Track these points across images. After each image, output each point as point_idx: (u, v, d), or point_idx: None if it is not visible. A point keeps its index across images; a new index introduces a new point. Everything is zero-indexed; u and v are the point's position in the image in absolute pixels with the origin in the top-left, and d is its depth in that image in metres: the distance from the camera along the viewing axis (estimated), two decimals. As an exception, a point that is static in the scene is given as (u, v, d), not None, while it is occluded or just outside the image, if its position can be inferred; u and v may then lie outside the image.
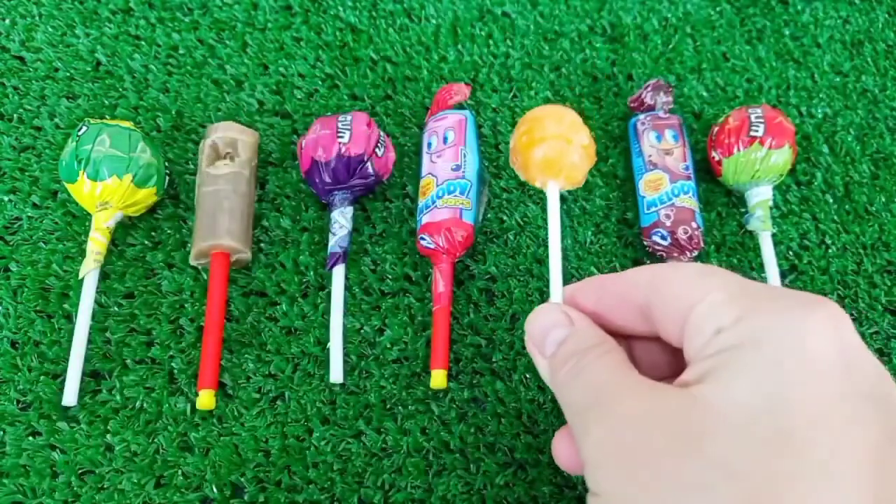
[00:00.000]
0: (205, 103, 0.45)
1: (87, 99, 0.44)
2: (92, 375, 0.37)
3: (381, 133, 0.41)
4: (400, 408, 0.37)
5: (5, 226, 0.40)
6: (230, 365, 0.37)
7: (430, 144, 0.41)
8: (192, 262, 0.39)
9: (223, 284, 0.37)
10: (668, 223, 0.39)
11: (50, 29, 0.47)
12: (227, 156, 0.40)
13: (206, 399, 0.35)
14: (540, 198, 0.43)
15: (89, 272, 0.37)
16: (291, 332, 0.38)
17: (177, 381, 0.37)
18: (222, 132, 0.40)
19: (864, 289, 0.41)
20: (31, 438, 0.35)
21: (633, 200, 0.43)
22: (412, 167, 0.43)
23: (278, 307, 0.39)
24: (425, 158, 0.41)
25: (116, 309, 0.38)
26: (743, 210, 0.43)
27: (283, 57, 0.47)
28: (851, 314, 0.41)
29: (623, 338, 0.25)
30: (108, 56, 0.46)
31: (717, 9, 0.51)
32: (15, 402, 0.36)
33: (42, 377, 0.36)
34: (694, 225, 0.39)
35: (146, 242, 0.40)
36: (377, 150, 0.40)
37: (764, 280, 0.40)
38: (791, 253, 0.42)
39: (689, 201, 0.40)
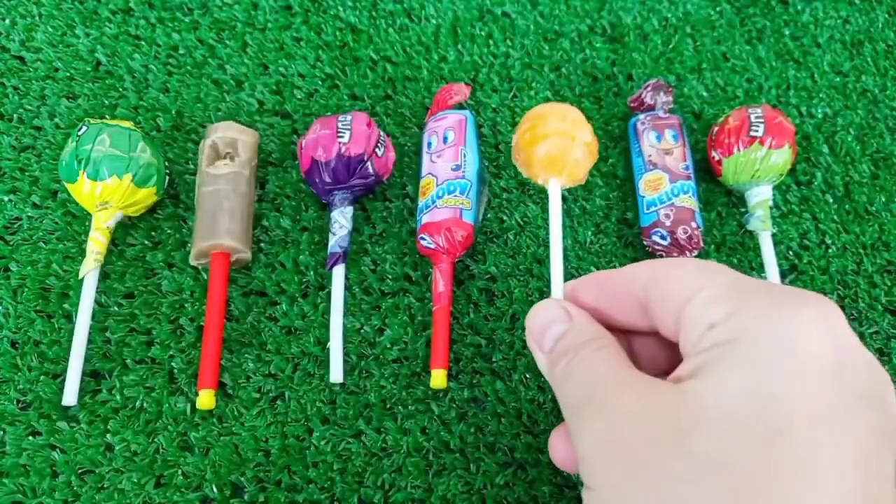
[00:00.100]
0: (205, 103, 0.45)
1: (87, 99, 0.44)
2: (92, 375, 0.37)
3: (381, 133, 0.41)
4: (400, 408, 0.37)
5: (5, 226, 0.40)
6: (230, 365, 0.37)
7: (430, 144, 0.41)
8: (192, 262, 0.39)
9: (223, 284, 0.37)
10: (667, 223, 0.39)
11: (50, 29, 0.47)
12: (227, 156, 0.40)
13: (206, 399, 0.35)
14: (540, 197, 0.43)
15: (89, 272, 0.37)
16: (291, 332, 0.38)
17: (177, 381, 0.37)
18: (222, 132, 0.40)
19: (864, 289, 0.41)
20: (31, 438, 0.35)
21: (633, 200, 0.43)
22: (412, 167, 0.43)
23: (278, 307, 0.39)
24: (425, 158, 0.41)
25: (116, 309, 0.38)
26: (743, 210, 0.43)
27: (283, 57, 0.47)
28: (851, 314, 0.41)
29: (623, 333, 0.26)
30: (108, 56, 0.46)
31: (717, 9, 0.51)
32: (15, 402, 0.36)
33: (42, 377, 0.36)
34: (694, 225, 0.39)
35: (146, 242, 0.40)
36: (377, 150, 0.40)
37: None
38: (791, 253, 0.42)
39: (689, 201, 0.40)
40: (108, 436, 0.35)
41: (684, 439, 0.19)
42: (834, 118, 0.47)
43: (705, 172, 0.43)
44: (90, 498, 0.34)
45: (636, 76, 0.48)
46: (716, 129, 0.42)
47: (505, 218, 0.42)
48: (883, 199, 0.44)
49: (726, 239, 0.42)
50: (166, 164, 0.40)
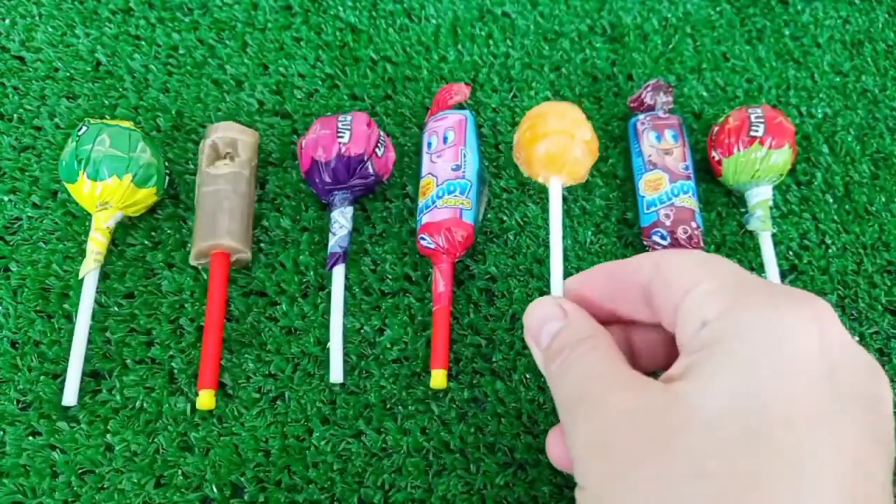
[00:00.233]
0: (205, 103, 0.45)
1: (87, 99, 0.44)
2: (92, 375, 0.37)
3: (381, 133, 0.41)
4: (400, 408, 0.37)
5: (5, 226, 0.40)
6: (230, 365, 0.37)
7: (430, 144, 0.41)
8: (192, 262, 0.39)
9: (223, 284, 0.37)
10: (667, 223, 0.39)
11: (50, 29, 0.47)
12: (227, 156, 0.40)
13: (206, 399, 0.35)
14: (540, 197, 0.43)
15: (89, 272, 0.37)
16: (291, 332, 0.38)
17: (177, 381, 0.37)
18: (222, 132, 0.40)
19: (864, 289, 0.41)
20: (31, 438, 0.35)
21: (633, 200, 0.43)
22: (412, 167, 0.43)
23: (278, 307, 0.39)
24: (425, 158, 0.41)
25: (116, 309, 0.38)
26: (743, 210, 0.43)
27: (283, 57, 0.47)
28: (851, 314, 0.41)
29: (625, 325, 0.26)
30: (108, 56, 0.46)
31: (717, 9, 0.51)
32: (15, 402, 0.36)
33: (42, 377, 0.36)
34: (693, 224, 0.39)
35: (146, 242, 0.40)
36: (377, 150, 0.40)
37: (764, 280, 0.40)
38: (791, 253, 0.42)
39: (689, 201, 0.40)
40: (108, 436, 0.35)
41: (671, 440, 0.19)
42: (834, 118, 0.47)
43: (705, 172, 0.43)
44: (90, 498, 0.34)
45: (636, 76, 0.48)
46: (716, 129, 0.42)
47: (505, 218, 0.42)
48: (883, 199, 0.44)
49: (726, 239, 0.42)
50: (166, 164, 0.40)
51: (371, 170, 0.39)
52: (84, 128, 0.38)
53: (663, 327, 0.24)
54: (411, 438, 0.36)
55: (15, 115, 0.44)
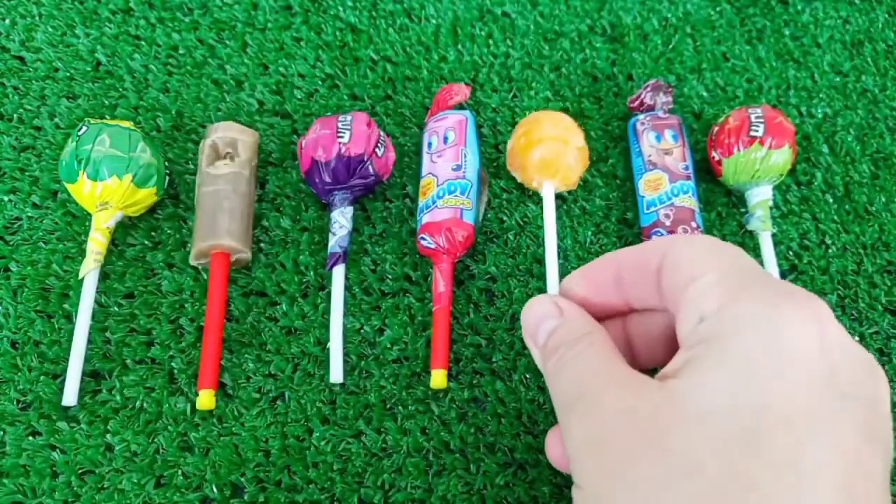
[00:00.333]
0: (205, 103, 0.45)
1: (87, 99, 0.44)
2: (92, 375, 0.37)
3: (381, 133, 0.41)
4: (400, 408, 0.37)
5: (5, 226, 0.40)
6: (230, 365, 0.37)
7: (430, 144, 0.41)
8: (192, 262, 0.39)
9: (223, 284, 0.37)
10: (667, 223, 0.39)
11: (50, 29, 0.47)
12: (227, 156, 0.40)
13: (206, 399, 0.35)
14: (540, 198, 0.43)
15: (89, 272, 0.37)
16: (291, 332, 0.38)
17: (177, 381, 0.37)
18: (222, 132, 0.40)
19: (864, 289, 0.41)
20: (31, 438, 0.35)
21: (632, 200, 0.43)
22: (412, 167, 0.43)
23: (278, 307, 0.39)
24: (425, 158, 0.41)
25: (116, 309, 0.38)
26: (743, 210, 0.43)
27: (283, 57, 0.47)
28: (851, 314, 0.41)
29: (627, 317, 0.25)
30: (108, 56, 0.46)
31: (717, 9, 0.51)
32: (15, 402, 0.36)
33: (42, 377, 0.36)
34: (693, 224, 0.39)
35: (146, 242, 0.40)
36: (377, 150, 0.40)
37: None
38: (791, 253, 0.42)
39: (689, 201, 0.40)
40: (108, 436, 0.35)
41: (667, 438, 0.19)
42: (834, 118, 0.47)
43: (705, 172, 0.43)
44: (90, 498, 0.34)
45: (636, 76, 0.48)
46: (716, 129, 0.42)
47: (505, 218, 0.42)
48: (883, 199, 0.44)
49: (726, 239, 0.42)
50: (166, 164, 0.40)
51: (371, 170, 0.39)
52: (84, 128, 0.38)
53: (666, 318, 0.24)
54: (411, 438, 0.36)
55: (15, 115, 0.44)
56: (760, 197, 0.41)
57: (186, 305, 0.39)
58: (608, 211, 0.43)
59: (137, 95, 0.45)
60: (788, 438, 0.18)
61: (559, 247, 0.41)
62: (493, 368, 0.38)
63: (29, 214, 0.41)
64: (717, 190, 0.43)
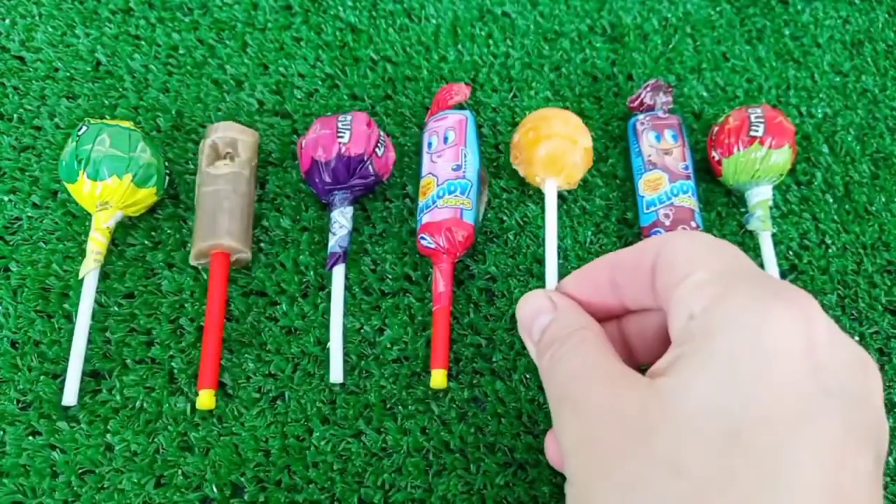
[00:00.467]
0: (205, 103, 0.45)
1: (87, 99, 0.44)
2: (92, 375, 0.37)
3: (381, 133, 0.41)
4: (400, 408, 0.37)
5: (5, 226, 0.40)
6: (230, 365, 0.37)
7: (430, 144, 0.41)
8: (192, 262, 0.39)
9: (223, 284, 0.37)
10: (667, 223, 0.39)
11: (50, 29, 0.47)
12: (227, 156, 0.40)
13: (206, 399, 0.35)
14: (540, 198, 0.43)
15: (89, 272, 0.37)
16: (291, 332, 0.38)
17: (177, 381, 0.37)
18: (222, 132, 0.40)
19: (864, 289, 0.41)
20: (31, 438, 0.35)
21: (632, 200, 0.43)
22: (412, 167, 0.43)
23: (278, 307, 0.39)
24: (425, 158, 0.41)
25: (116, 309, 0.38)
26: (743, 210, 0.43)
27: (283, 57, 0.47)
28: (851, 314, 0.41)
29: (624, 317, 0.25)
30: (108, 56, 0.46)
31: (717, 9, 0.51)
32: (15, 402, 0.36)
33: (42, 377, 0.36)
34: (693, 224, 0.39)
35: (146, 242, 0.40)
36: (377, 150, 0.40)
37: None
38: (791, 253, 0.42)
39: (689, 201, 0.40)
40: (108, 436, 0.35)
41: (652, 438, 0.19)
42: (834, 118, 0.47)
43: (705, 172, 0.43)
44: (90, 498, 0.34)
45: (636, 76, 0.48)
46: (716, 129, 0.42)
47: (505, 218, 0.42)
48: (883, 199, 0.44)
49: (726, 239, 0.42)
50: (166, 164, 0.40)
51: (371, 170, 0.39)
52: (84, 128, 0.38)
53: (661, 317, 0.24)
54: (411, 438, 0.36)
55: (15, 115, 0.44)
56: (760, 197, 0.41)
57: (186, 305, 0.39)
58: (608, 211, 0.43)
59: (137, 95, 0.45)
60: (770, 438, 0.18)
61: (559, 247, 0.41)
62: (493, 368, 0.38)
63: (29, 214, 0.41)
64: (717, 190, 0.43)
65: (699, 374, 0.19)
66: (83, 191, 0.37)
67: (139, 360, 0.37)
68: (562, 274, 0.39)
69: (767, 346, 0.19)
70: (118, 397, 0.36)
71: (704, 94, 0.47)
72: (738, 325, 0.19)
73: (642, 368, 0.22)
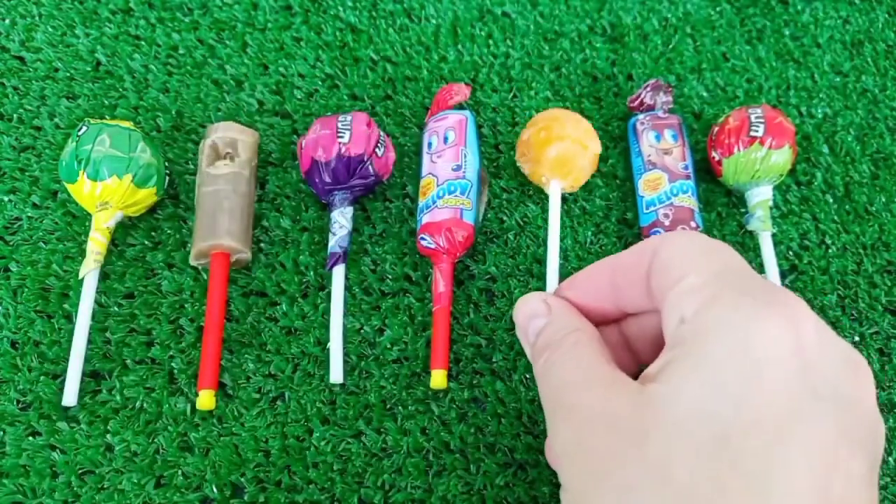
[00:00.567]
0: (205, 103, 0.45)
1: (87, 99, 0.44)
2: (92, 375, 0.37)
3: (381, 133, 0.41)
4: (400, 408, 0.37)
5: (5, 226, 0.40)
6: (230, 365, 0.37)
7: (430, 144, 0.41)
8: (192, 262, 0.39)
9: (223, 284, 0.37)
10: (666, 222, 0.39)
11: (50, 29, 0.47)
12: (227, 156, 0.40)
13: (206, 399, 0.35)
14: (540, 198, 0.43)
15: (89, 272, 0.37)
16: (291, 332, 0.38)
17: (177, 381, 0.37)
18: (222, 132, 0.40)
19: (864, 289, 0.41)
20: (31, 438, 0.35)
21: (632, 200, 0.43)
22: (412, 167, 0.43)
23: (278, 307, 0.39)
24: (425, 158, 0.41)
25: (116, 309, 0.38)
26: (743, 210, 0.43)
27: (283, 57, 0.47)
28: (851, 314, 0.41)
29: (624, 320, 0.25)
30: (108, 56, 0.46)
31: (717, 9, 0.51)
32: (15, 402, 0.36)
33: (42, 377, 0.36)
34: (693, 224, 0.39)
35: (146, 242, 0.40)
36: (377, 150, 0.40)
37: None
38: (791, 253, 0.42)
39: (688, 200, 0.40)
40: (108, 436, 0.35)
41: (641, 445, 0.19)
42: (834, 118, 0.47)
43: (705, 172, 0.43)
44: (90, 498, 0.34)
45: (636, 76, 0.48)
46: (716, 129, 0.42)
47: (505, 218, 0.42)
48: (883, 199, 0.44)
49: (726, 239, 0.42)
50: (166, 164, 0.40)
51: (371, 170, 0.39)
52: (84, 128, 0.38)
53: (659, 319, 0.24)
54: (411, 439, 0.36)
55: (15, 115, 0.44)
56: (760, 197, 0.41)
57: (186, 305, 0.39)
58: (608, 211, 0.43)
59: (137, 95, 0.45)
60: (758, 442, 0.18)
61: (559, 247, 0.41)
62: (493, 368, 0.38)
63: (29, 214, 0.41)
64: (717, 190, 0.43)
65: (689, 378, 0.19)
66: (83, 191, 0.37)
67: (139, 360, 0.37)
68: (563, 275, 0.39)
69: (757, 350, 0.19)
70: (118, 398, 0.36)
71: (704, 94, 0.47)
72: (728, 330, 0.19)
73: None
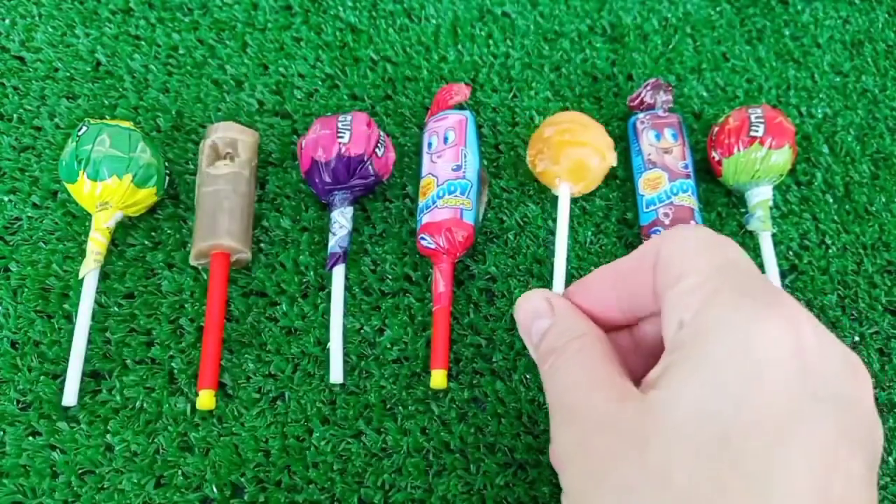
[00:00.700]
0: (205, 103, 0.45)
1: (87, 99, 0.44)
2: (92, 375, 0.37)
3: (381, 133, 0.41)
4: (400, 408, 0.37)
5: (5, 226, 0.40)
6: (230, 365, 0.37)
7: (430, 144, 0.41)
8: (192, 262, 0.39)
9: (223, 284, 0.37)
10: (666, 221, 0.39)
11: (50, 29, 0.47)
12: (227, 156, 0.40)
13: (206, 399, 0.35)
14: (540, 198, 0.43)
15: (89, 272, 0.37)
16: (291, 332, 0.38)
17: (177, 381, 0.37)
18: (222, 132, 0.40)
19: (864, 289, 0.41)
20: (31, 438, 0.35)
21: (632, 200, 0.43)
22: (412, 167, 0.43)
23: (278, 307, 0.39)
24: (425, 158, 0.41)
25: (116, 309, 0.38)
26: (743, 210, 0.43)
27: (283, 57, 0.47)
28: (851, 314, 0.41)
29: (646, 318, 0.25)
30: (108, 56, 0.46)
31: (717, 9, 0.51)
32: (15, 402, 0.36)
33: (42, 377, 0.36)
34: (693, 223, 0.39)
35: (146, 242, 0.40)
36: (377, 150, 0.40)
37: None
38: (791, 253, 0.42)
39: (688, 199, 0.40)
40: (108, 436, 0.35)
41: (643, 451, 0.19)
42: (834, 118, 0.47)
43: (705, 172, 0.43)
44: (90, 498, 0.34)
45: (636, 76, 0.48)
46: (716, 129, 0.42)
47: (505, 218, 0.42)
48: (883, 199, 0.44)
49: (726, 239, 0.42)
50: (166, 164, 0.40)
51: (371, 170, 0.39)
52: (84, 128, 0.38)
53: None
54: (411, 438, 0.36)
55: (15, 115, 0.44)
56: (760, 197, 0.41)
57: (186, 305, 0.39)
58: (608, 211, 0.43)
59: (137, 95, 0.45)
60: (758, 444, 0.18)
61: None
62: (493, 368, 0.38)
63: (29, 214, 0.41)
64: (717, 190, 0.43)
65: (688, 381, 0.19)
66: (83, 191, 0.37)
67: (139, 360, 0.37)
68: (564, 276, 0.39)
69: (757, 351, 0.19)
70: (118, 398, 0.36)
71: (704, 94, 0.47)
72: (727, 331, 0.19)
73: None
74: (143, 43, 0.47)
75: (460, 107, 0.44)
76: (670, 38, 0.49)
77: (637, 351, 0.25)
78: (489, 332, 0.39)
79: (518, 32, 0.49)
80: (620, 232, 0.42)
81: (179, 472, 0.35)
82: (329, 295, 0.39)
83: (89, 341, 0.37)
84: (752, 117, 0.40)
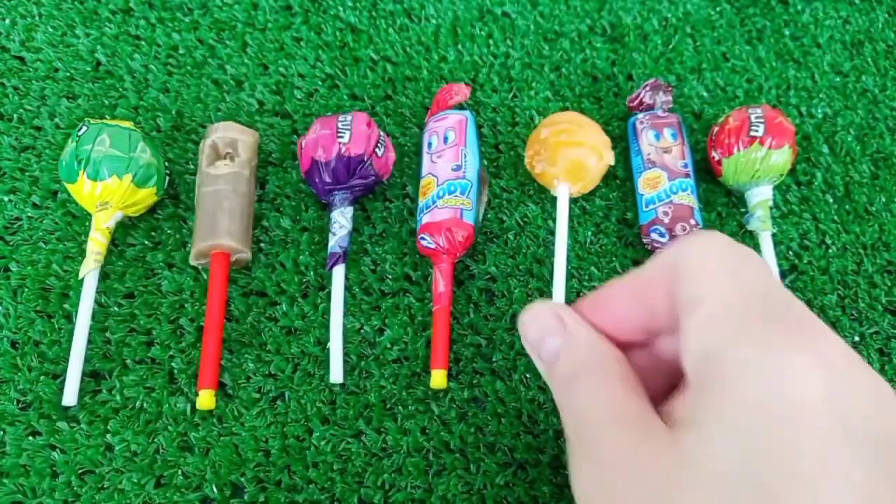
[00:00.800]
0: (205, 103, 0.45)
1: (87, 99, 0.44)
2: (92, 375, 0.37)
3: (381, 133, 0.41)
4: (400, 408, 0.37)
5: (5, 226, 0.40)
6: (230, 365, 0.37)
7: (430, 144, 0.41)
8: (192, 262, 0.39)
9: (223, 284, 0.37)
10: (666, 220, 0.39)
11: (50, 29, 0.47)
12: (227, 156, 0.40)
13: (206, 399, 0.35)
14: (540, 198, 0.43)
15: (89, 272, 0.37)
16: (291, 332, 0.38)
17: (177, 381, 0.37)
18: (222, 132, 0.40)
19: (864, 289, 0.41)
20: (31, 438, 0.35)
21: (632, 200, 0.43)
22: (412, 167, 0.43)
23: (278, 307, 0.39)
24: (425, 158, 0.41)
25: (116, 309, 0.38)
26: (743, 210, 0.43)
27: (283, 57, 0.47)
28: (851, 314, 0.41)
29: (667, 334, 0.24)
30: (108, 56, 0.46)
31: (717, 9, 0.51)
32: (15, 402, 0.36)
33: (42, 377, 0.36)
34: (692, 222, 0.39)
35: (146, 242, 0.40)
36: (377, 150, 0.40)
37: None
38: (791, 253, 0.42)
39: (688, 198, 0.40)
40: (108, 436, 0.35)
41: (673, 496, 0.18)
42: (834, 118, 0.47)
43: (705, 172, 0.43)
44: (90, 498, 0.34)
45: (636, 76, 0.48)
46: (716, 129, 0.42)
47: (505, 218, 0.42)
48: (883, 199, 0.44)
49: (726, 239, 0.42)
50: (166, 164, 0.40)
51: (371, 170, 0.39)
52: (84, 128, 0.38)
53: None
54: (411, 438, 0.36)
55: (15, 115, 0.44)
56: (760, 197, 0.41)
57: (186, 305, 0.39)
58: (608, 211, 0.43)
59: (137, 95, 0.45)
60: (796, 492, 0.17)
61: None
62: (493, 368, 0.38)
63: (29, 214, 0.41)
64: (717, 190, 0.43)
65: (723, 429, 0.18)
66: (83, 191, 0.37)
67: (139, 360, 0.37)
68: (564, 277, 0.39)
69: (787, 397, 0.18)
70: (118, 397, 0.36)
71: (704, 94, 0.47)
72: (757, 374, 0.18)
73: None
74: (143, 43, 0.47)
75: (460, 107, 0.44)
76: (670, 38, 0.49)
77: (655, 370, 0.24)
78: (489, 331, 0.39)
79: (518, 32, 0.49)
80: (620, 232, 0.42)
81: (179, 471, 0.35)
82: (329, 295, 0.39)
83: (89, 341, 0.37)
84: (752, 117, 0.40)
